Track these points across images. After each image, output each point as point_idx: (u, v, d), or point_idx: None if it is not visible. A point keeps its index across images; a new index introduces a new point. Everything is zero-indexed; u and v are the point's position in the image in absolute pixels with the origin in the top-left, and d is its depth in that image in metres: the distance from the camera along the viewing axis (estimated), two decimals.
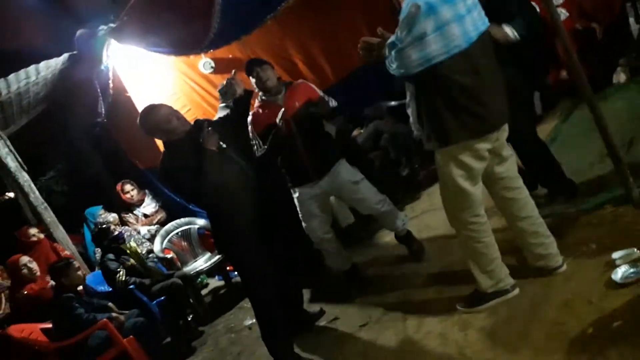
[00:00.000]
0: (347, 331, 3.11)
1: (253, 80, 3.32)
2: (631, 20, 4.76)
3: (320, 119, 3.37)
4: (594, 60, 4.85)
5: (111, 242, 4.40)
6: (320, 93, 3.44)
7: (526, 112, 3.13)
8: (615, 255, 2.28)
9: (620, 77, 4.73)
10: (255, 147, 3.41)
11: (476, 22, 2.16)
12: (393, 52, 2.17)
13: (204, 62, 5.18)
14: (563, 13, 5.34)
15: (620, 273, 2.17)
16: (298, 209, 3.44)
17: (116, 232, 4.50)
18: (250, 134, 3.33)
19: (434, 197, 4.56)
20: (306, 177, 3.34)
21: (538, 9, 3.48)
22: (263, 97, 3.40)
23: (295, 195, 3.42)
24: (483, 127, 2.25)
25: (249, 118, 3.34)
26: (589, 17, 4.97)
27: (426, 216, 4.22)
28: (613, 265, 2.24)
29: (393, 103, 6.13)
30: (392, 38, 2.19)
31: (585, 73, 2.76)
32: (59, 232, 5.09)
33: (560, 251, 2.52)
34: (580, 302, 2.18)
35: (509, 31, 2.74)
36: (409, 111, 2.43)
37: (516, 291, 2.46)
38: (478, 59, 2.17)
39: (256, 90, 3.38)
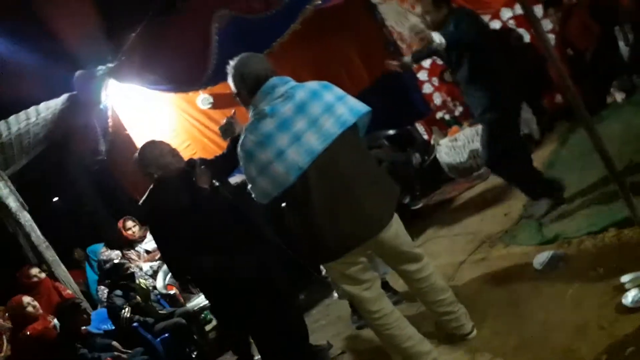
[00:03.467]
0: None
1: None
2: (621, 43, 4.85)
3: None
4: (587, 84, 4.94)
5: (121, 279, 4.39)
6: None
7: (503, 127, 3.30)
8: (624, 278, 2.25)
9: (616, 97, 4.81)
10: None
11: (311, 144, 2.04)
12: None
13: (202, 98, 5.25)
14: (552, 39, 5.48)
15: (630, 297, 2.14)
16: None
17: (130, 271, 4.50)
18: None
19: (437, 224, 4.57)
20: None
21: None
22: None
23: None
24: (344, 246, 2.14)
25: None
26: (571, 44, 5.12)
27: (429, 244, 4.21)
28: (622, 290, 2.21)
29: (391, 132, 6.22)
30: None
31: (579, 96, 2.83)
32: (61, 270, 5.07)
33: (568, 276, 2.53)
34: (592, 327, 2.16)
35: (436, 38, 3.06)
36: None
37: None
38: (328, 172, 2.07)
39: None
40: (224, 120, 2.98)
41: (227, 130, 2.96)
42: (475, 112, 3.44)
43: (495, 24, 5.88)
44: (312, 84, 2.18)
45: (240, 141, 2.19)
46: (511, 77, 3.35)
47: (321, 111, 2.08)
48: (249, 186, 2.20)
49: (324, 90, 2.16)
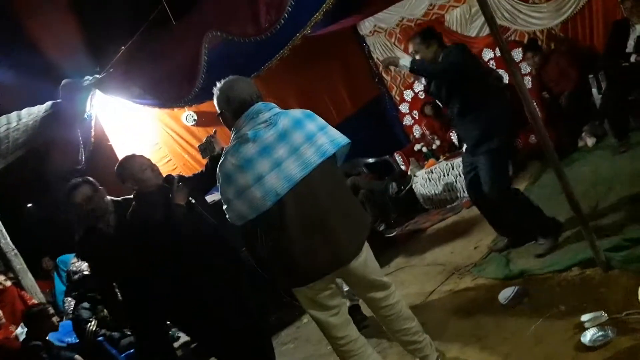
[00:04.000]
0: None
1: None
2: (594, 90, 5.06)
3: None
4: (560, 127, 5.13)
5: (89, 292, 4.32)
6: None
7: (498, 169, 3.26)
8: (584, 317, 2.33)
9: (587, 141, 4.99)
10: None
11: (290, 171, 2.08)
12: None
13: (186, 115, 5.30)
14: (529, 81, 5.70)
15: (589, 336, 2.22)
16: None
17: None
18: None
19: (409, 253, 4.64)
20: None
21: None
22: None
23: None
24: (312, 275, 2.18)
25: None
26: (547, 88, 5.33)
27: (400, 272, 4.27)
28: (582, 328, 2.29)
29: (370, 160, 6.33)
30: None
31: (552, 137, 2.91)
32: (28, 279, 4.97)
33: (531, 312, 2.60)
34: None
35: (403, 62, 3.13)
36: None
37: None
38: (305, 200, 2.11)
39: None
40: (205, 139, 3.02)
41: (207, 149, 3.00)
42: (468, 143, 3.39)
43: None
44: (296, 113, 2.23)
45: (220, 162, 2.22)
46: (503, 106, 3.38)
47: (303, 140, 2.12)
48: (224, 207, 2.22)
49: (307, 119, 2.19)
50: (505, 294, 2.87)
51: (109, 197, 3.16)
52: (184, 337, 5.36)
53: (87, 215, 3.07)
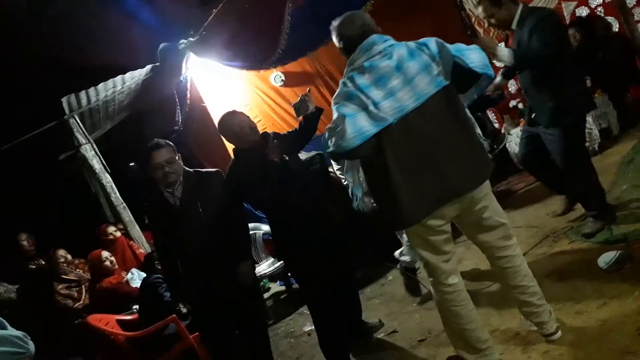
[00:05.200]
0: (405, 346, 3.10)
1: None
2: None
3: None
4: None
5: None
6: None
7: (569, 135, 3.07)
8: None
9: None
10: None
11: (403, 102, 2.09)
12: (328, 133, 2.17)
13: (274, 76, 5.39)
14: None
15: None
16: None
17: None
18: None
19: None
20: None
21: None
22: None
23: None
24: (426, 206, 2.14)
25: None
26: None
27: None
28: None
29: None
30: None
31: None
32: (135, 230, 5.44)
33: (634, 278, 2.43)
34: None
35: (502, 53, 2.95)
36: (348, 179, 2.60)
37: None
38: (416, 130, 2.10)
39: None
40: (299, 98, 3.07)
41: (301, 108, 3.05)
42: (541, 115, 3.16)
43: (583, 11, 5.58)
44: (411, 43, 2.19)
45: (336, 92, 2.23)
46: (580, 84, 3.16)
47: (417, 70, 2.11)
48: (328, 132, 2.16)
49: (421, 50, 2.15)
50: (606, 259, 2.70)
51: (183, 166, 3.08)
52: (274, 288, 5.66)
53: (163, 177, 2.95)
